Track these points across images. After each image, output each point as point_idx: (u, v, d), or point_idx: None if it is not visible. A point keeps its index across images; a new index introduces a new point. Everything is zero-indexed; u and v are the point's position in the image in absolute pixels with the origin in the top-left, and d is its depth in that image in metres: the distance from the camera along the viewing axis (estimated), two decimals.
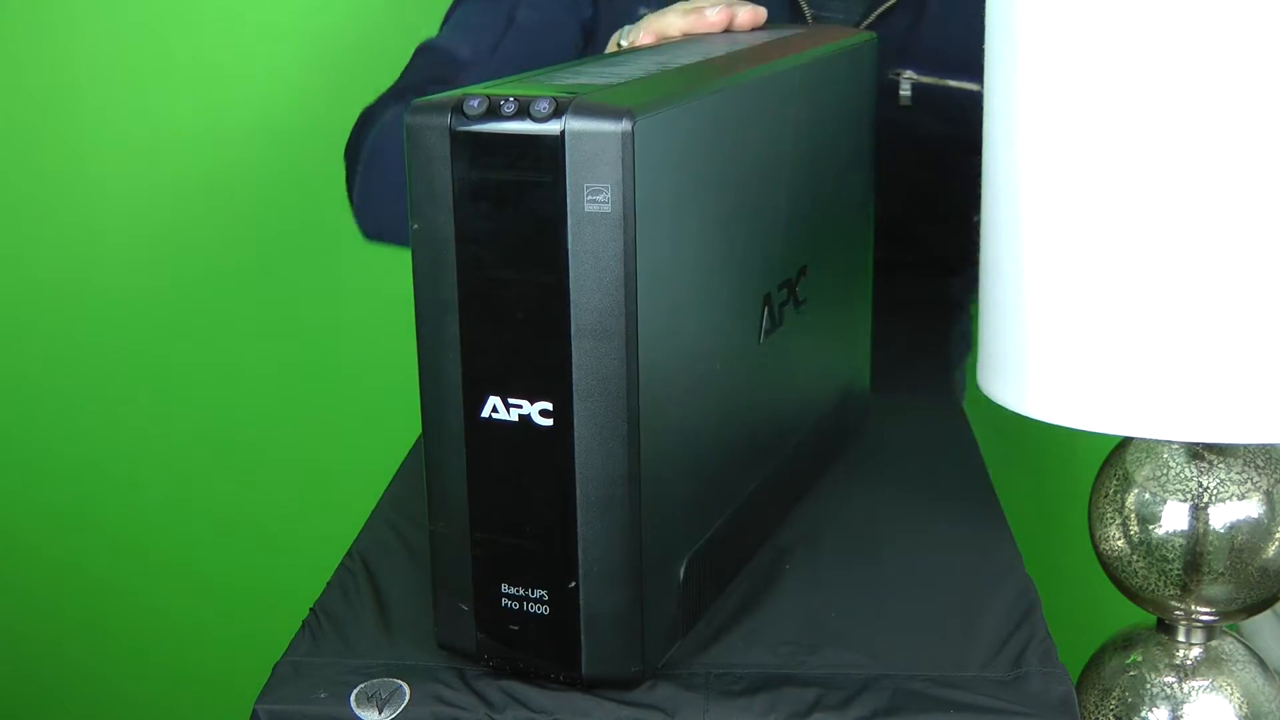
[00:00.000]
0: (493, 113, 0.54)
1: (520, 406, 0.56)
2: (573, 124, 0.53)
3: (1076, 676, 0.79)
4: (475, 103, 0.55)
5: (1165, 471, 0.73)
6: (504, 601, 0.59)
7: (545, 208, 0.54)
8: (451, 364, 0.57)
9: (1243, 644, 0.78)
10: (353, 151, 0.99)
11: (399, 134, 0.83)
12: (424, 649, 0.64)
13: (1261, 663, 0.77)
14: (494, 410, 0.57)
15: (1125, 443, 0.77)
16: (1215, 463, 0.73)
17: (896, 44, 0.97)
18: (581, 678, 0.59)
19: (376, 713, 0.60)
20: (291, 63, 1.34)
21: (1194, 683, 0.75)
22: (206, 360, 1.49)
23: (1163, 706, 0.75)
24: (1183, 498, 0.73)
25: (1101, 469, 0.78)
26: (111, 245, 1.39)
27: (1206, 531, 0.72)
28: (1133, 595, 0.77)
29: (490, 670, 0.62)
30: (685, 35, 0.76)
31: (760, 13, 0.78)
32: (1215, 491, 0.72)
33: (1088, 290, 0.64)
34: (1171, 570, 0.73)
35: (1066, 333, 0.65)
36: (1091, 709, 0.77)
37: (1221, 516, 0.72)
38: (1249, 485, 0.72)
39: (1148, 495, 0.74)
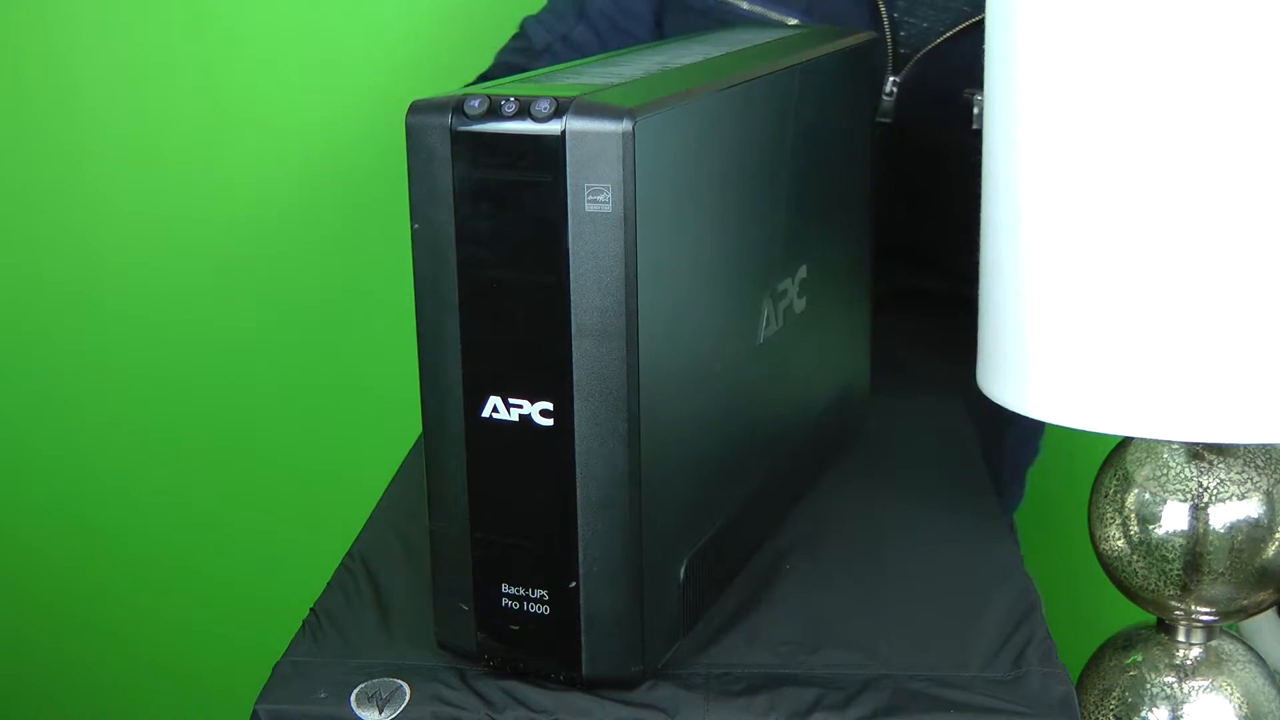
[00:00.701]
0: (493, 113, 0.54)
1: (521, 406, 0.56)
2: (573, 124, 0.53)
3: (1076, 676, 0.79)
4: (476, 103, 0.55)
5: (1165, 471, 0.73)
6: (504, 601, 0.59)
7: (546, 208, 0.54)
8: (452, 364, 0.57)
9: (1243, 644, 0.78)
10: None
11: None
12: (424, 649, 0.64)
13: (1261, 663, 0.77)
14: (494, 410, 0.57)
15: (1125, 443, 0.77)
16: (1215, 463, 0.73)
17: (976, 64, 0.96)
18: (582, 678, 0.59)
19: (376, 713, 0.60)
20: (292, 64, 1.34)
21: (1194, 683, 0.75)
22: (206, 360, 1.49)
23: (1163, 706, 0.75)
24: (1183, 498, 0.73)
25: (1101, 469, 0.78)
26: (111, 246, 1.39)
27: (1206, 531, 0.72)
28: (1133, 595, 0.77)
29: (490, 670, 0.62)
30: None
31: None
32: (1215, 491, 0.72)
33: (1088, 290, 0.64)
34: (1171, 570, 0.73)
35: (1066, 333, 0.65)
36: (1091, 709, 0.77)
37: (1221, 516, 0.72)
38: (1249, 485, 0.72)
39: (1148, 495, 0.74)
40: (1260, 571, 0.73)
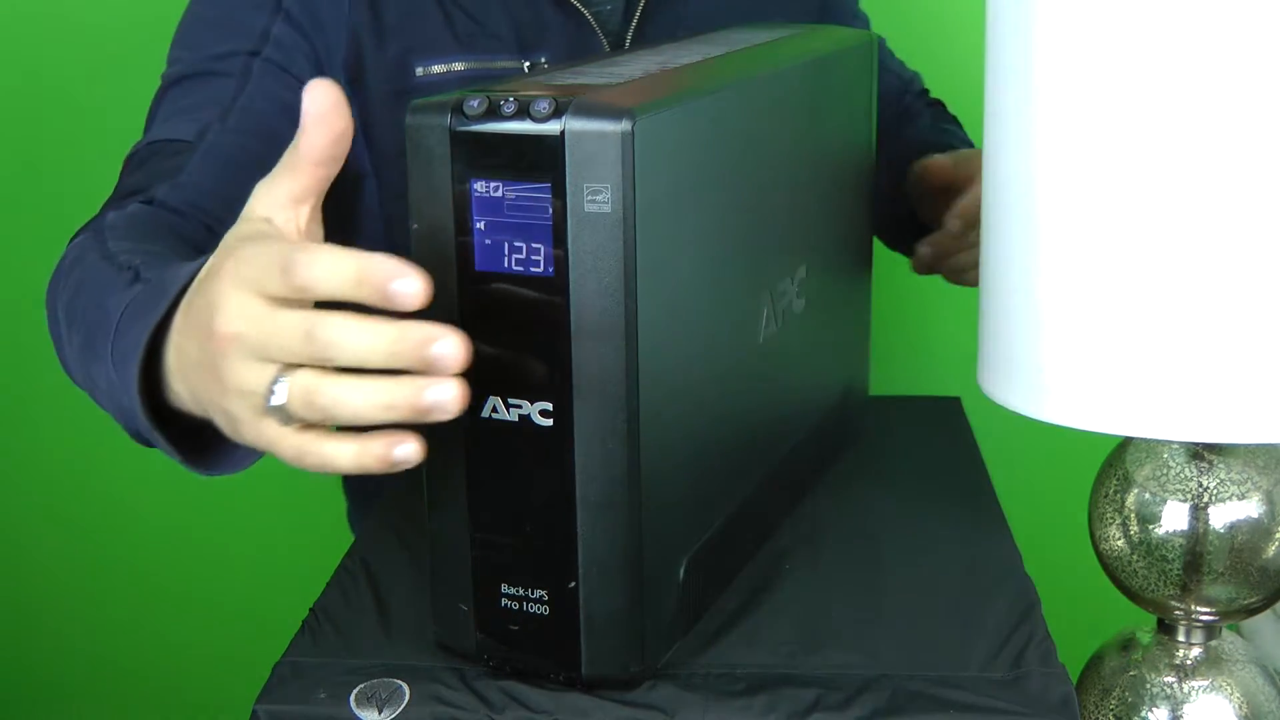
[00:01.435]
0: (492, 112, 0.54)
1: (520, 406, 0.56)
2: (572, 124, 0.53)
3: (1076, 676, 0.79)
4: (475, 103, 0.55)
5: (1165, 471, 0.73)
6: (504, 601, 0.59)
7: (545, 208, 0.54)
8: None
9: (1243, 644, 0.78)
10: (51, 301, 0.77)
11: (80, 262, 0.74)
12: (424, 649, 0.64)
13: (1261, 663, 0.77)
14: (494, 410, 0.57)
15: (1125, 443, 0.77)
16: (1215, 463, 0.73)
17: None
18: (581, 678, 0.59)
19: (376, 713, 0.60)
20: None
21: (1194, 683, 0.75)
22: None
23: (1163, 706, 0.75)
24: (1183, 498, 0.73)
25: (1101, 469, 0.78)
26: None
27: (1206, 531, 0.72)
28: (1133, 595, 0.77)
29: (490, 670, 0.62)
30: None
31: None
32: (1215, 491, 0.72)
33: (1088, 290, 0.64)
34: (1171, 570, 0.73)
35: (1066, 333, 0.65)
36: (1091, 709, 0.77)
37: (1221, 516, 0.72)
38: (1249, 485, 0.72)
39: (1148, 495, 0.74)
40: (1260, 571, 0.73)
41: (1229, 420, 0.63)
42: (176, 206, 0.79)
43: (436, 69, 0.90)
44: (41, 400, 1.53)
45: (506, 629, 0.60)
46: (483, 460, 0.58)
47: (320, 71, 0.88)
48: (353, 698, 0.60)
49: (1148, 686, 0.75)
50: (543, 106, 0.53)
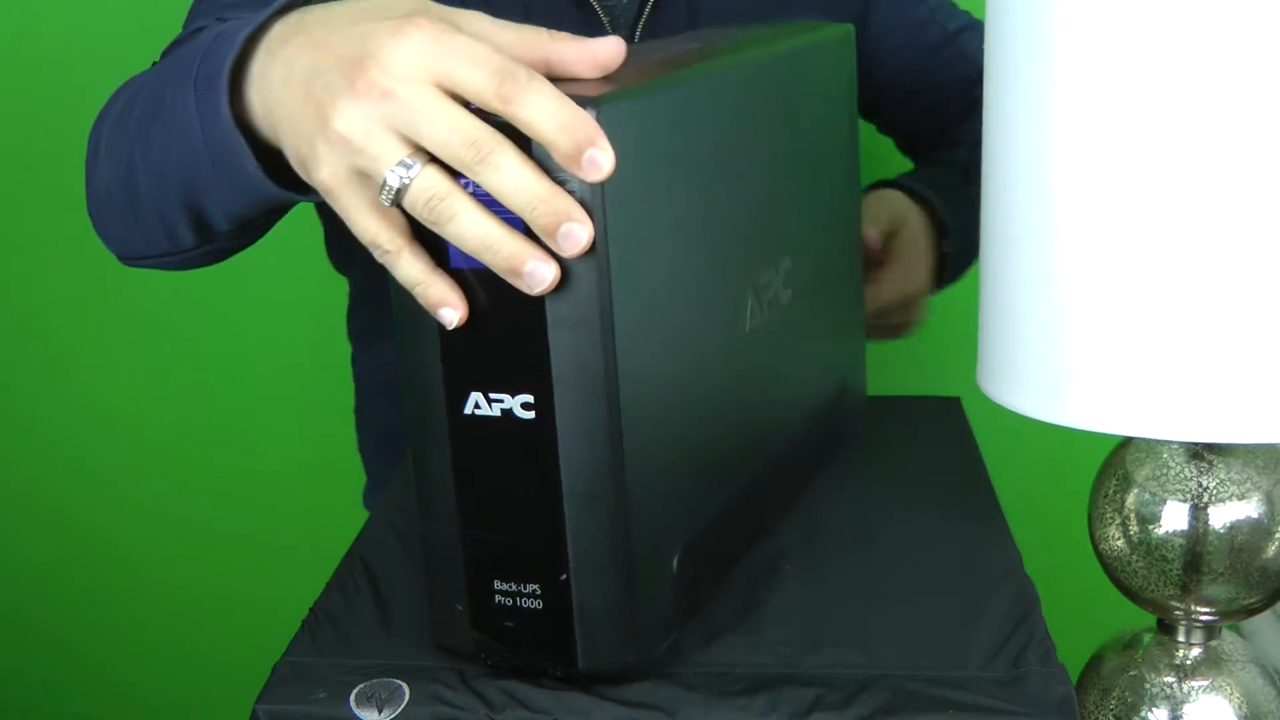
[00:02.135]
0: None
1: (502, 401, 0.56)
2: None
3: (1076, 676, 0.79)
4: None
5: (1165, 471, 0.73)
6: (497, 598, 0.59)
7: None
8: (432, 362, 0.57)
9: (1243, 644, 0.78)
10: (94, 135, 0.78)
11: (134, 81, 0.76)
12: (424, 649, 0.64)
13: (1261, 663, 0.77)
14: (477, 406, 0.57)
15: (1125, 443, 0.77)
16: (1215, 463, 0.73)
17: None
18: (579, 671, 0.59)
19: (376, 713, 0.60)
20: None
21: (1194, 683, 0.75)
22: (206, 358, 1.49)
23: (1163, 706, 0.75)
24: (1183, 498, 0.73)
25: (1101, 469, 0.78)
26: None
27: (1206, 531, 0.72)
28: (1133, 595, 0.77)
29: (489, 670, 0.62)
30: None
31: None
32: (1215, 491, 0.72)
33: (1087, 291, 0.64)
34: (1171, 570, 0.73)
35: (1066, 333, 0.65)
36: (1091, 709, 0.77)
37: (1221, 516, 0.72)
38: (1249, 485, 0.72)
39: (1148, 495, 0.74)
40: (1260, 571, 0.73)
41: (1229, 420, 0.63)
42: None
43: None
44: (41, 400, 1.53)
45: (501, 626, 0.60)
46: (468, 457, 0.58)
47: None
48: (353, 698, 0.60)
49: (1148, 686, 0.75)
50: None
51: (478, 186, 0.52)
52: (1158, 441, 0.74)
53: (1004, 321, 0.69)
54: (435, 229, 0.53)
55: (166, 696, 1.63)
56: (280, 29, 0.59)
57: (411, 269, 0.54)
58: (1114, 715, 0.76)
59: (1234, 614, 0.75)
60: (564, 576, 0.58)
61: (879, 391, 1.00)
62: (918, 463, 0.86)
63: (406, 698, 0.60)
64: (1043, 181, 0.65)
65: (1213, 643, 0.76)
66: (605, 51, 0.53)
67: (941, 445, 0.88)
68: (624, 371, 0.56)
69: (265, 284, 1.44)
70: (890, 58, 1.08)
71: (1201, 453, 0.73)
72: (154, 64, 0.80)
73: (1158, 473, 0.74)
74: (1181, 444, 0.73)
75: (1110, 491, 0.76)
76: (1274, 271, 0.61)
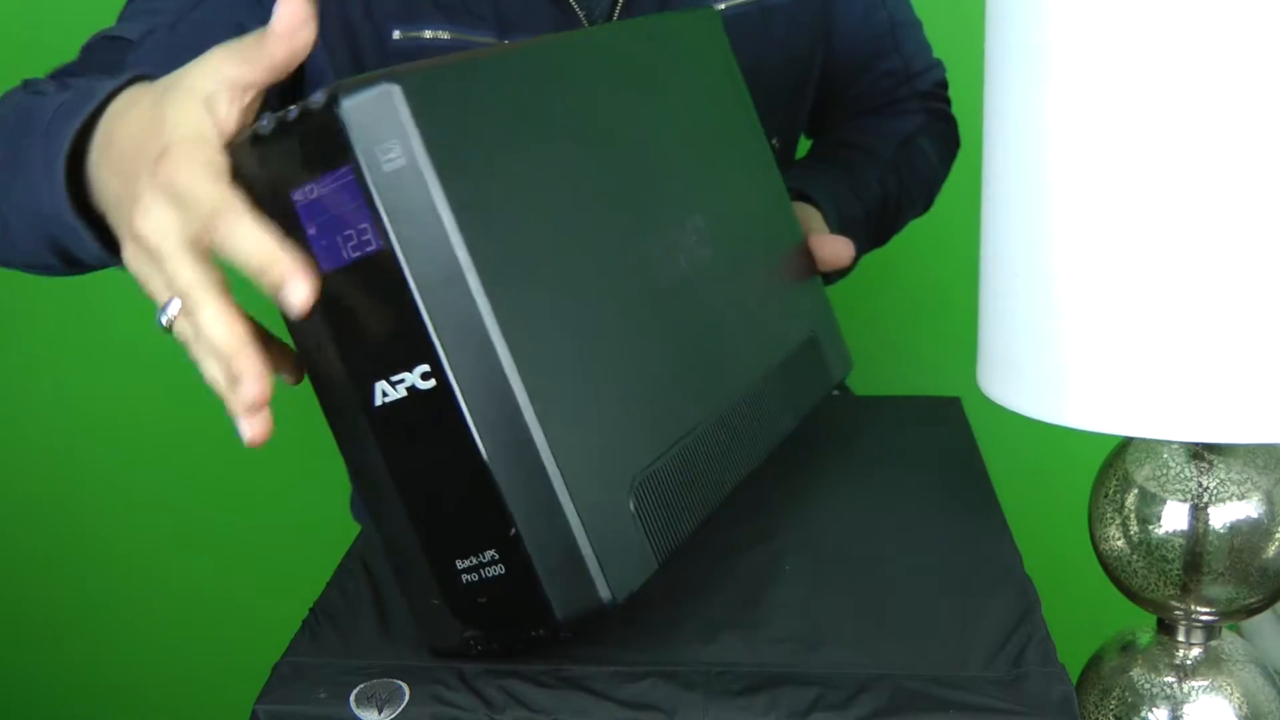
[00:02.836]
0: (282, 124, 0.57)
1: (403, 379, 0.58)
2: (346, 102, 0.56)
3: (1076, 676, 0.79)
4: (265, 123, 0.58)
5: (1165, 471, 0.73)
6: (464, 579, 0.60)
7: (353, 187, 0.56)
8: (333, 365, 0.59)
9: (1243, 644, 0.78)
10: None
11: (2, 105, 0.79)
12: (423, 649, 0.64)
13: (1261, 663, 0.77)
14: (384, 394, 0.58)
15: (1125, 443, 0.77)
16: (1215, 463, 0.73)
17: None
18: (559, 623, 0.59)
19: (376, 713, 0.60)
20: None
21: (1194, 683, 0.75)
22: None
23: (1163, 706, 0.75)
24: (1183, 498, 0.73)
25: (1101, 469, 0.78)
26: None
27: (1206, 531, 0.72)
28: (1133, 595, 0.77)
29: (487, 666, 0.62)
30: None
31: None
32: (1215, 491, 0.72)
33: (1088, 291, 0.64)
34: (1171, 570, 0.73)
35: (1066, 333, 0.65)
36: (1091, 709, 0.77)
37: (1221, 516, 0.72)
38: (1249, 485, 0.72)
39: (1148, 495, 0.74)
40: (1260, 571, 0.73)
41: (1229, 420, 0.63)
42: None
43: (413, 34, 0.92)
44: (40, 399, 1.53)
45: (476, 604, 0.60)
46: (393, 446, 0.59)
47: None
48: (353, 698, 0.60)
49: (1148, 686, 0.75)
50: (318, 99, 0.56)
51: None
52: (1158, 441, 0.74)
53: (1003, 322, 0.69)
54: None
55: (166, 697, 1.63)
56: (100, 137, 0.65)
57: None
58: (1114, 715, 0.76)
59: (1234, 614, 0.75)
60: (513, 531, 0.58)
61: (879, 391, 1.00)
62: (918, 463, 0.86)
63: (406, 698, 0.60)
64: (1042, 182, 0.65)
65: (1213, 643, 0.76)
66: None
67: (941, 445, 0.88)
68: (505, 319, 0.57)
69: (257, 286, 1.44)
70: (838, 31, 1.08)
71: (1201, 453, 0.73)
72: (33, 85, 0.82)
73: (1158, 473, 0.74)
74: (1181, 444, 0.73)
75: (1110, 491, 0.76)
76: (1273, 272, 0.61)
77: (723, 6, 0.98)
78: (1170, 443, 0.73)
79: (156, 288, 0.60)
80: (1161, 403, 0.63)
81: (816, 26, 1.05)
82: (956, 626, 0.65)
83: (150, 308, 0.61)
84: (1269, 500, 0.72)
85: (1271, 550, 0.73)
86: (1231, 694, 0.75)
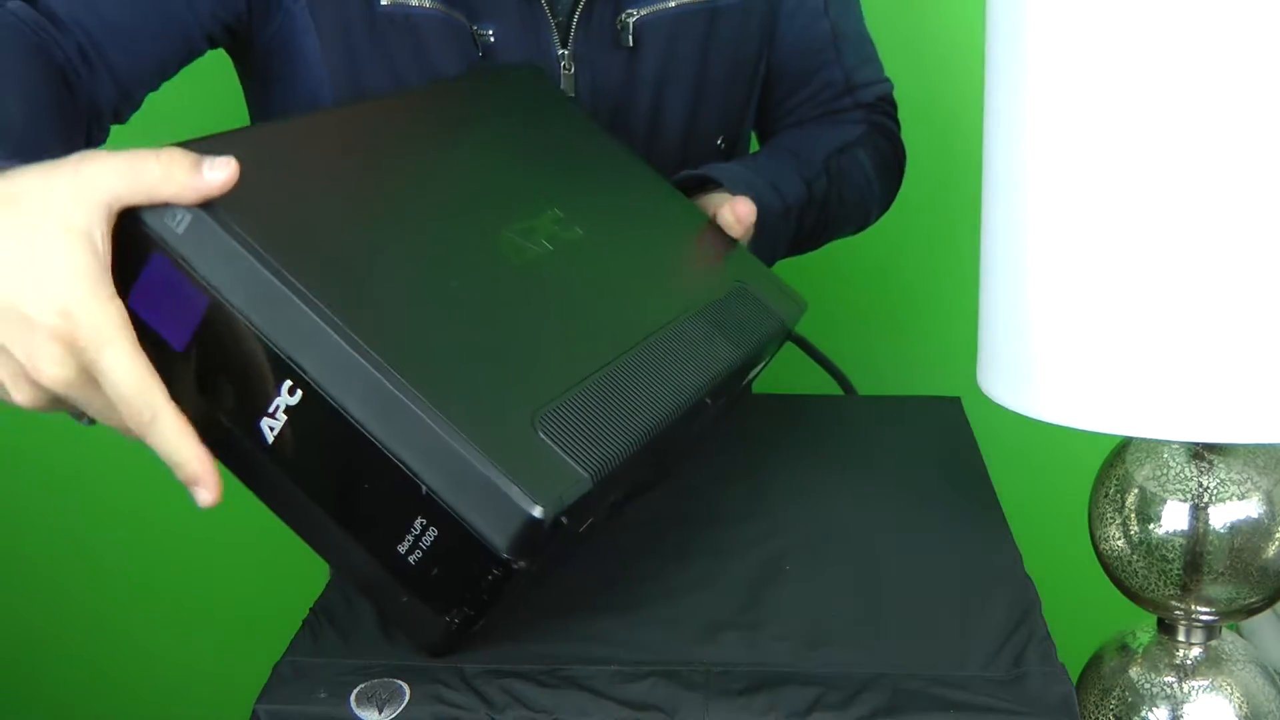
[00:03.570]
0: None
1: (278, 405, 0.60)
2: (143, 216, 0.60)
3: (1076, 676, 0.79)
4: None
5: (1165, 471, 0.73)
6: (411, 559, 0.61)
7: (170, 268, 0.60)
8: (226, 432, 0.62)
9: (1243, 644, 0.78)
10: None
11: None
12: (424, 651, 0.64)
13: (1261, 663, 0.77)
14: (271, 429, 0.61)
15: (1125, 443, 0.77)
16: (1215, 463, 0.73)
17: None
18: (509, 557, 0.60)
19: (376, 713, 0.60)
20: None
21: (1194, 683, 0.75)
22: None
23: (1163, 706, 0.75)
24: (1183, 498, 0.73)
25: (1101, 469, 0.78)
26: None
27: (1206, 531, 0.72)
28: (1133, 595, 0.77)
29: (487, 668, 0.62)
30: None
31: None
32: (1215, 491, 0.72)
33: (1088, 290, 0.64)
34: (1171, 570, 0.73)
35: (1067, 333, 0.65)
36: (1091, 709, 0.77)
37: (1221, 516, 0.72)
38: (1249, 485, 0.72)
39: (1148, 495, 0.74)
40: (1260, 571, 0.73)
41: (1229, 420, 0.63)
42: (59, 16, 0.83)
43: (400, 1, 0.93)
44: None
45: (434, 578, 0.61)
46: (299, 470, 0.61)
47: None
48: (353, 698, 0.60)
49: (1148, 686, 0.76)
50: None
51: None
52: (1158, 441, 0.74)
53: (1003, 322, 0.69)
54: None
55: (167, 696, 1.63)
56: None
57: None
58: (1114, 715, 0.76)
59: (1234, 614, 0.75)
60: (424, 490, 0.59)
61: (879, 391, 1.00)
62: (918, 463, 0.86)
63: (407, 698, 0.60)
64: (1044, 182, 0.65)
65: (1213, 643, 0.76)
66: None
67: (941, 445, 0.88)
68: (338, 310, 0.60)
69: None
70: (782, 41, 1.09)
71: (1201, 453, 0.73)
72: None
73: (1158, 473, 0.74)
74: (1181, 444, 0.73)
75: (1110, 491, 0.76)
76: (1273, 273, 0.61)
77: (674, 4, 0.99)
78: (1170, 443, 0.73)
79: (42, 405, 0.60)
80: (1161, 403, 0.63)
81: (762, 34, 1.06)
82: (956, 626, 0.65)
83: None
84: (1269, 500, 0.72)
85: (1271, 550, 0.73)
86: (1231, 694, 0.75)
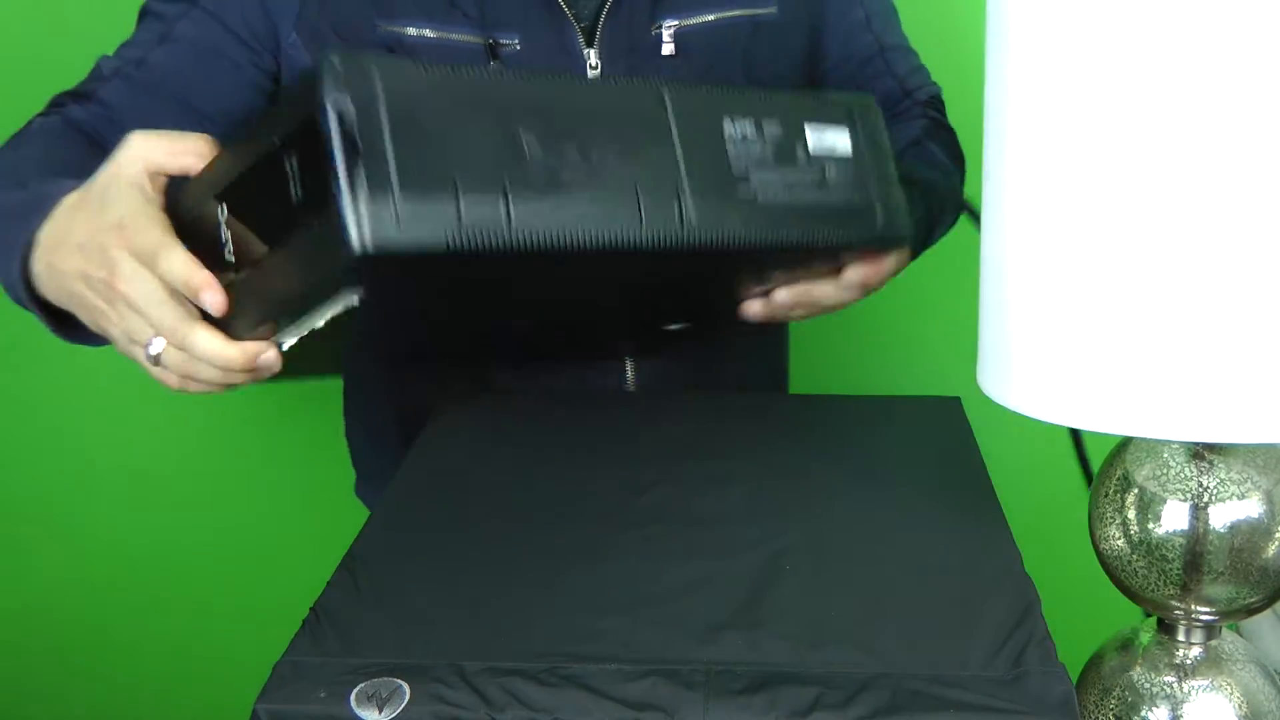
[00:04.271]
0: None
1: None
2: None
3: (1076, 676, 0.79)
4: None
5: (1165, 471, 0.73)
6: (304, 182, 0.66)
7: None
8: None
9: (1243, 644, 0.78)
10: None
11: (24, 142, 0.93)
12: (424, 649, 0.64)
13: (1261, 663, 0.77)
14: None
15: (1125, 443, 0.77)
16: (1215, 463, 0.73)
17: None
18: (363, 245, 0.61)
19: (376, 712, 0.60)
20: None
21: (1194, 683, 0.75)
22: None
23: (1163, 706, 0.75)
24: (1183, 497, 0.73)
25: (1101, 469, 0.78)
26: None
27: (1206, 531, 0.72)
28: (1133, 595, 0.77)
29: (487, 667, 0.62)
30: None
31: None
32: (1215, 491, 0.72)
33: (1088, 290, 0.64)
34: (1171, 570, 0.73)
35: (1066, 332, 0.65)
36: (1091, 709, 0.77)
37: (1221, 516, 0.72)
38: (1249, 485, 0.72)
39: (1148, 495, 0.74)
40: (1260, 571, 0.73)
41: (1229, 420, 0.63)
42: (82, 125, 0.97)
43: (395, 29, 0.93)
44: (41, 399, 1.53)
45: (312, 179, 0.64)
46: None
47: (266, 19, 0.96)
48: (353, 697, 0.60)
49: (1148, 686, 0.76)
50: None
51: None
52: (1158, 441, 0.74)
53: (1003, 322, 0.69)
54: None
55: (167, 696, 1.63)
56: (49, 240, 0.79)
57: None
58: (1114, 715, 0.76)
59: (1234, 614, 0.75)
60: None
61: (879, 391, 1.00)
62: (918, 463, 0.86)
63: (407, 697, 0.60)
64: (1041, 180, 0.65)
65: (1213, 643, 0.76)
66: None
67: (941, 445, 0.89)
68: None
69: None
70: (827, 56, 1.09)
71: (1201, 453, 0.73)
72: (32, 128, 0.97)
73: (1158, 473, 0.74)
74: (1181, 444, 0.73)
75: (1110, 491, 0.76)
76: (1273, 272, 0.61)
77: (713, 18, 0.99)
78: (1170, 443, 0.73)
79: (136, 327, 0.74)
80: (1161, 403, 0.63)
81: (808, 50, 1.06)
82: (956, 626, 0.66)
83: None
84: (1269, 500, 0.72)
85: (1271, 550, 0.73)
86: (1231, 694, 0.75)
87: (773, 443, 0.89)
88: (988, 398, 0.72)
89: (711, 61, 1.00)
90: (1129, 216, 0.62)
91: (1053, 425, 0.68)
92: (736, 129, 0.73)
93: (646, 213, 0.68)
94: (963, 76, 1.18)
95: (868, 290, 0.91)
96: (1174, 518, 0.73)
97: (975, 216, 0.88)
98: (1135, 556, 0.75)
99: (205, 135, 0.76)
